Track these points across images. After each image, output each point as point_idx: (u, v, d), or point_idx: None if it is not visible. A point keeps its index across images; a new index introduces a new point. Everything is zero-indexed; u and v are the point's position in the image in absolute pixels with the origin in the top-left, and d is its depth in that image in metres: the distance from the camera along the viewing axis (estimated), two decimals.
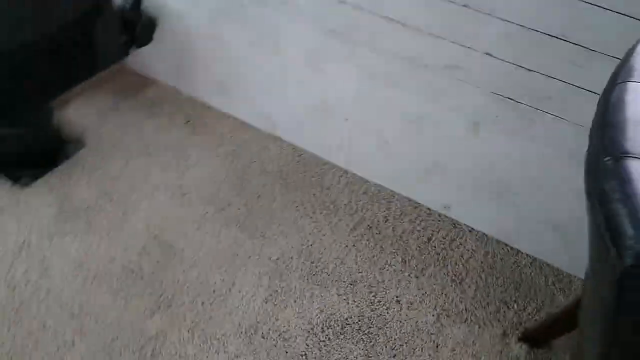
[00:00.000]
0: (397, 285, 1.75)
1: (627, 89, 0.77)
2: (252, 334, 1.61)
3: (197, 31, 2.07)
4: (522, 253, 1.86)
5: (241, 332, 1.60)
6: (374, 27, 1.67)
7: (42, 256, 1.72)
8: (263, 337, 1.60)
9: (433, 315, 1.69)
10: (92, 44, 1.73)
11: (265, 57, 1.96)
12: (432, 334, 1.65)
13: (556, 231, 1.75)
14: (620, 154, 0.67)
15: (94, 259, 1.73)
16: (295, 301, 1.69)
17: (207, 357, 1.55)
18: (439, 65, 1.63)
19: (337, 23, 1.74)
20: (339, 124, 1.96)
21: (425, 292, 1.74)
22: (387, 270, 1.79)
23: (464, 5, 1.49)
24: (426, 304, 1.71)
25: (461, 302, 1.73)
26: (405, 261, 1.82)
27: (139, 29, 1.88)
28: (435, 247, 1.86)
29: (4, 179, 1.91)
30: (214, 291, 1.69)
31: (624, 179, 0.65)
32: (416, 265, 1.80)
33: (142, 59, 2.30)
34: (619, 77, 0.79)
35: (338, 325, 1.64)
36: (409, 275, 1.78)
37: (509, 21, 1.45)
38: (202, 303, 1.66)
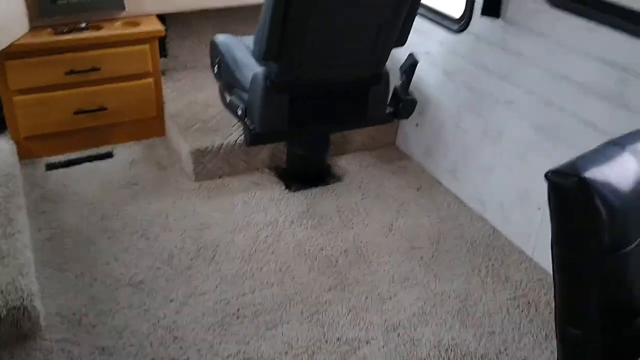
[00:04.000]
0: (531, 351, 1.92)
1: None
2: (391, 330, 1.98)
3: (445, 120, 2.67)
4: None
5: (384, 326, 1.99)
6: (571, 128, 2.02)
7: (280, 232, 2.42)
8: (398, 336, 1.96)
9: None
10: (366, 102, 2.45)
11: (488, 146, 2.43)
12: None
13: None
14: None
15: (311, 245, 2.36)
16: (436, 324, 2.01)
17: (351, 331, 1.98)
18: None
19: (545, 121, 2.13)
20: (533, 212, 2.26)
21: None
22: (527, 337, 1.97)
23: None
24: None
25: None
26: (548, 338, 1.96)
27: (402, 105, 2.55)
28: None
29: (281, 183, 2.72)
30: (378, 294, 2.13)
31: None
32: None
33: (405, 138, 2.98)
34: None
35: (462, 353, 1.90)
36: (545, 348, 1.93)
37: None
38: (366, 298, 2.11)
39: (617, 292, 0.99)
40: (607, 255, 0.97)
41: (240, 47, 2.53)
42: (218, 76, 2.54)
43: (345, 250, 2.33)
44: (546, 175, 0.97)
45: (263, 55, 2.16)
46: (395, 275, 2.22)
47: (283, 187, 2.70)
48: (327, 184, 2.74)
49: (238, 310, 2.04)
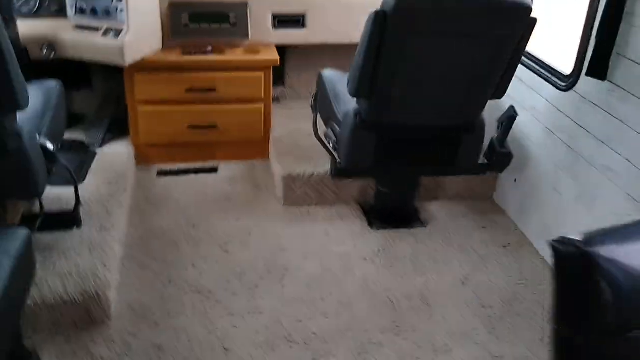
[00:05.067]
0: None
1: None
2: None
3: (542, 178, 2.54)
4: None
5: None
6: None
7: (350, 266, 2.45)
8: None
9: None
10: (457, 150, 2.40)
11: (582, 211, 2.27)
12: None
13: None
14: None
15: (377, 284, 2.35)
16: None
17: None
18: None
19: None
20: None
21: None
22: None
23: None
24: None
25: None
26: None
27: (497, 157, 2.46)
28: None
29: (365, 219, 2.74)
30: (432, 345, 2.06)
31: None
32: None
33: (503, 192, 2.88)
34: None
35: None
36: None
37: None
38: (419, 347, 2.06)
39: None
40: (610, 337, 0.89)
41: (343, 83, 2.62)
42: (314, 108, 2.65)
43: (409, 295, 2.29)
44: (550, 242, 0.92)
45: (354, 92, 2.23)
46: (454, 329, 2.14)
47: (366, 224, 2.72)
48: (411, 227, 2.71)
49: (290, 334, 2.09)
